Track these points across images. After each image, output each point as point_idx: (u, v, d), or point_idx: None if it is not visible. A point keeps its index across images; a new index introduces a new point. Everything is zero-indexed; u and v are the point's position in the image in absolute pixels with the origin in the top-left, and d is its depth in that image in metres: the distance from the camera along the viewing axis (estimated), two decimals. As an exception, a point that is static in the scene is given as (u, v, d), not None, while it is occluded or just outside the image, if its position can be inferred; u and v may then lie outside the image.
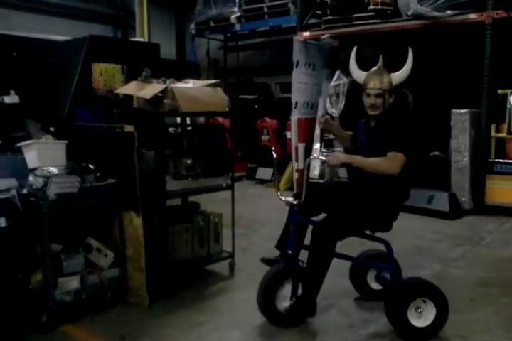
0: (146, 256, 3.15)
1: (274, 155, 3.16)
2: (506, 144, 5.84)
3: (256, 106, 9.38)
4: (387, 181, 2.84)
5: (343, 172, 6.62)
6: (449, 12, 5.80)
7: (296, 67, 7.28)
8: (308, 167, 3.07)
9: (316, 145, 7.11)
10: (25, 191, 2.80)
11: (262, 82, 10.12)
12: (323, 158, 2.88)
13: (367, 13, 6.49)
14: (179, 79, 3.55)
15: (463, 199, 5.88)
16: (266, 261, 3.11)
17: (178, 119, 4.03)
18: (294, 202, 2.89)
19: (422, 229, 5.21)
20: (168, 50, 10.43)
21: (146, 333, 2.91)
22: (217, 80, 3.85)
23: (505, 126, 5.77)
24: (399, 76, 3.01)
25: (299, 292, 2.88)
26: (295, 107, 7.35)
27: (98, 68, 3.72)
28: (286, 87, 8.23)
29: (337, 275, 3.10)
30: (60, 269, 3.06)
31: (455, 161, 5.95)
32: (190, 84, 3.53)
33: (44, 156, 2.97)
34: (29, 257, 2.98)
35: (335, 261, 2.82)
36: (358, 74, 3.16)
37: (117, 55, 3.86)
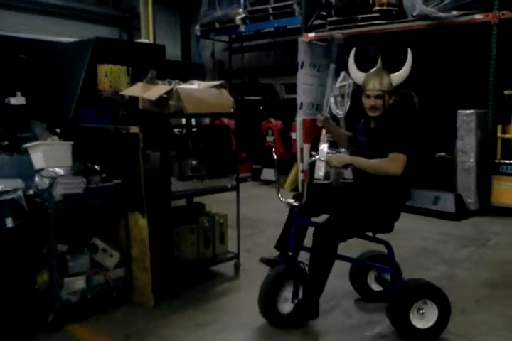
0: (151, 256, 3.16)
1: (275, 156, 3.14)
2: (512, 145, 5.82)
3: (261, 107, 9.39)
4: (388, 182, 2.83)
5: (348, 174, 6.59)
6: (454, 13, 5.78)
7: (301, 68, 7.28)
8: (311, 168, 3.08)
9: (322, 146, 7.09)
10: (31, 192, 2.81)
11: (267, 83, 10.12)
12: (325, 159, 2.88)
13: (372, 13, 6.47)
14: (184, 80, 3.56)
15: (469, 200, 5.86)
16: (265, 261, 3.10)
17: (184, 120, 4.04)
18: (295, 204, 2.89)
19: (428, 230, 5.19)
20: (173, 51, 10.44)
21: (151, 333, 2.91)
22: (222, 81, 3.86)
23: (512, 127, 5.75)
24: (398, 76, 3.00)
25: (300, 294, 2.87)
26: (300, 108, 7.35)
27: (104, 70, 3.74)
28: (292, 88, 8.23)
29: (338, 277, 3.09)
30: (65, 269, 3.07)
31: (461, 162, 5.93)
32: (195, 85, 3.54)
33: (50, 157, 2.98)
34: (35, 257, 2.99)
35: (335, 262, 2.81)
36: (357, 76, 3.16)
37: (123, 57, 3.88)
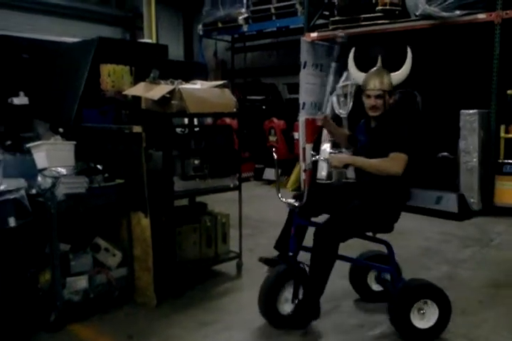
0: (153, 256, 3.16)
1: (275, 156, 3.13)
2: (515, 145, 5.81)
3: (263, 107, 9.40)
4: (388, 182, 2.83)
5: (351, 173, 6.58)
6: (457, 12, 5.77)
7: (304, 67, 7.27)
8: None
9: (325, 146, 7.08)
10: (34, 191, 2.82)
11: (270, 83, 10.12)
12: (326, 159, 2.87)
13: (375, 13, 6.47)
14: (187, 80, 3.56)
15: (472, 200, 5.84)
16: (264, 261, 3.09)
17: (186, 120, 4.04)
18: (295, 204, 2.88)
19: (431, 230, 5.18)
20: (175, 51, 10.46)
21: (153, 333, 2.92)
22: (225, 81, 3.86)
23: (515, 127, 5.74)
24: (398, 76, 3.00)
25: (300, 294, 2.87)
26: (303, 108, 7.35)
27: (106, 69, 3.75)
28: (294, 88, 8.23)
29: (338, 277, 3.09)
30: (68, 269, 3.08)
31: (464, 162, 5.91)
32: (197, 85, 3.54)
33: (53, 157, 2.99)
34: (38, 257, 3.00)
35: (336, 262, 2.81)
36: (357, 75, 3.16)
37: (125, 57, 3.89)
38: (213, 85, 3.60)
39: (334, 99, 6.91)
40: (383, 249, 3.07)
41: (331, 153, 6.24)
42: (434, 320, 2.78)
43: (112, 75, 3.79)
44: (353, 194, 2.99)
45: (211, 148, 3.75)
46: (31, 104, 3.92)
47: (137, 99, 3.48)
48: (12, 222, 2.66)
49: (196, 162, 3.62)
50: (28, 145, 3.10)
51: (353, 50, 3.31)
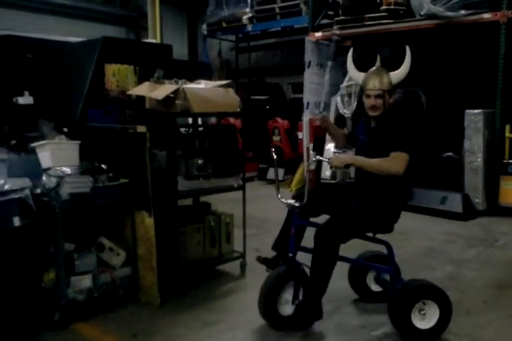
0: (157, 255, 3.17)
1: (275, 157, 3.10)
2: (520, 145, 5.78)
3: (267, 107, 9.39)
4: (388, 182, 2.82)
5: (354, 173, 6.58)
6: (462, 12, 5.75)
7: (308, 67, 7.27)
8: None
9: (329, 146, 7.07)
10: (38, 191, 2.83)
11: (274, 83, 10.12)
12: (327, 159, 2.86)
13: (379, 13, 6.45)
14: (191, 79, 3.56)
15: (476, 200, 5.82)
16: (262, 260, 3.09)
17: (190, 120, 4.04)
18: (296, 204, 2.87)
19: (435, 230, 5.16)
20: (180, 50, 10.48)
21: (157, 332, 2.92)
22: (229, 81, 3.86)
23: (520, 127, 5.72)
24: (398, 75, 2.99)
25: (301, 295, 2.86)
26: (307, 108, 7.34)
27: (111, 69, 3.75)
28: (298, 88, 8.22)
29: (339, 278, 3.08)
30: (72, 268, 3.09)
31: (468, 162, 5.89)
32: (202, 84, 3.54)
33: (57, 156, 3.00)
34: (42, 256, 3.01)
35: (337, 263, 2.80)
36: (356, 75, 3.15)
37: (130, 56, 3.89)
38: (217, 85, 3.60)
39: (338, 99, 6.91)
40: (383, 249, 3.06)
41: (335, 152, 6.21)
42: (435, 320, 2.77)
43: (117, 75, 3.79)
44: (352, 194, 2.98)
45: (215, 147, 3.75)
46: (36, 104, 3.93)
47: (141, 98, 3.48)
48: (17, 221, 2.67)
49: (200, 162, 3.62)
50: (32, 144, 3.11)
51: (351, 51, 3.30)
